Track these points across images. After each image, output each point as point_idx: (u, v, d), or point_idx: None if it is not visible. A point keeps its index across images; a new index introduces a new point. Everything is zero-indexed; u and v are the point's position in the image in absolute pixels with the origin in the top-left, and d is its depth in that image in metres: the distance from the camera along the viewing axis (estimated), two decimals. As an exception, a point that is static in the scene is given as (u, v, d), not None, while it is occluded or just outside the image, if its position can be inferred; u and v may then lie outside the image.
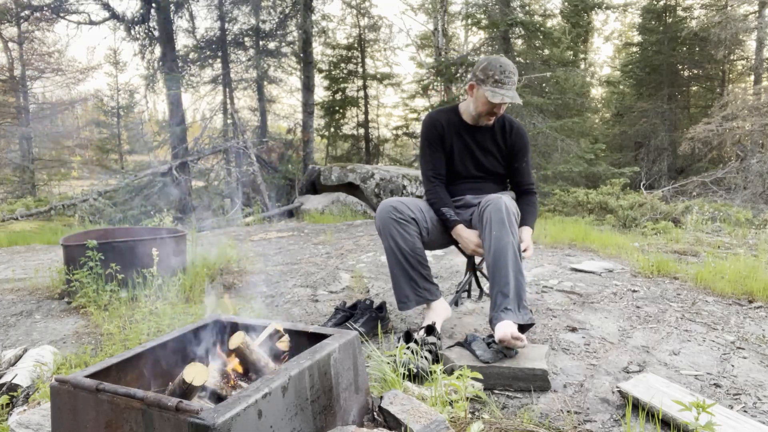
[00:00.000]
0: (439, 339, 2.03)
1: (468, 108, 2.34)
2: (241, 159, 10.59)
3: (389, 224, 2.18)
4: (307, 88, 11.85)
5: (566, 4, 13.85)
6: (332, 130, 16.11)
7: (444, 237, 2.38)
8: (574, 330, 2.27)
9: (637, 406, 1.54)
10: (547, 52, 11.35)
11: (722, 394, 1.70)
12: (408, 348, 1.85)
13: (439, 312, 2.25)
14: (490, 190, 2.35)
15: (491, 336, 1.91)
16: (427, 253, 2.74)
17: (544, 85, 11.23)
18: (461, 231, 2.25)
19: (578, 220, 6.92)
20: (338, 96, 16.04)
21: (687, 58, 15.35)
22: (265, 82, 12.84)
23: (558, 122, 10.20)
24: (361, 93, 16.50)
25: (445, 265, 3.60)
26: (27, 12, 12.65)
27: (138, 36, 11.61)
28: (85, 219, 8.37)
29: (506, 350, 1.82)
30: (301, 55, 12.07)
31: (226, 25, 11.85)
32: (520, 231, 2.19)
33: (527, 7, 11.98)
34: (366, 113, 16.55)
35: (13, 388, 1.77)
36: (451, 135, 2.37)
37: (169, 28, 11.09)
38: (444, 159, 2.38)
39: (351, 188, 8.80)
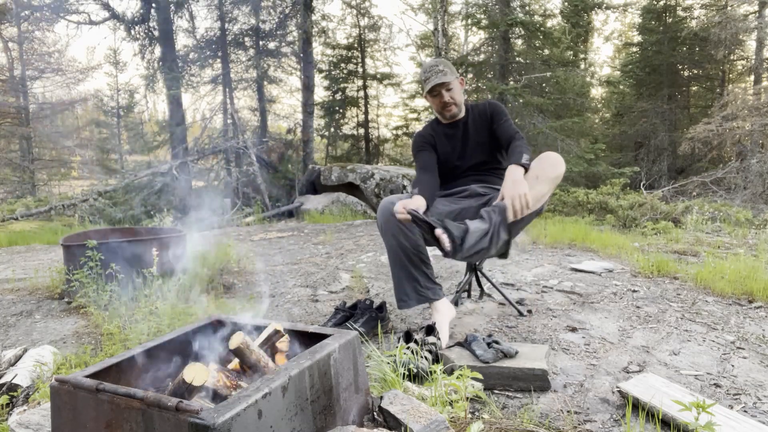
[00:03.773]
0: (439, 339, 2.03)
1: None
2: (241, 159, 10.59)
3: (391, 222, 2.18)
4: (307, 88, 11.86)
5: (566, 4, 13.83)
6: (332, 130, 16.11)
7: None
8: (574, 330, 2.27)
9: (637, 406, 1.54)
10: (547, 52, 11.34)
11: (722, 394, 1.70)
12: (408, 348, 1.85)
13: (444, 312, 2.24)
14: (493, 182, 2.43)
15: (491, 336, 1.91)
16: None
17: (544, 85, 11.22)
18: (404, 200, 2.11)
19: (578, 220, 6.92)
20: (338, 96, 16.04)
21: (687, 58, 15.33)
22: (265, 82, 12.83)
23: (558, 122, 10.20)
24: (361, 93, 16.50)
25: (445, 265, 3.60)
26: (27, 12, 12.65)
27: (138, 36, 11.60)
28: (85, 219, 8.38)
29: (506, 350, 1.82)
30: (301, 55, 12.08)
31: (226, 25, 11.84)
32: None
33: (527, 7, 11.98)
34: (366, 113, 16.55)
35: (13, 388, 1.77)
36: (440, 139, 2.49)
37: (169, 28, 11.09)
38: (434, 157, 2.46)
39: (351, 188, 8.80)
